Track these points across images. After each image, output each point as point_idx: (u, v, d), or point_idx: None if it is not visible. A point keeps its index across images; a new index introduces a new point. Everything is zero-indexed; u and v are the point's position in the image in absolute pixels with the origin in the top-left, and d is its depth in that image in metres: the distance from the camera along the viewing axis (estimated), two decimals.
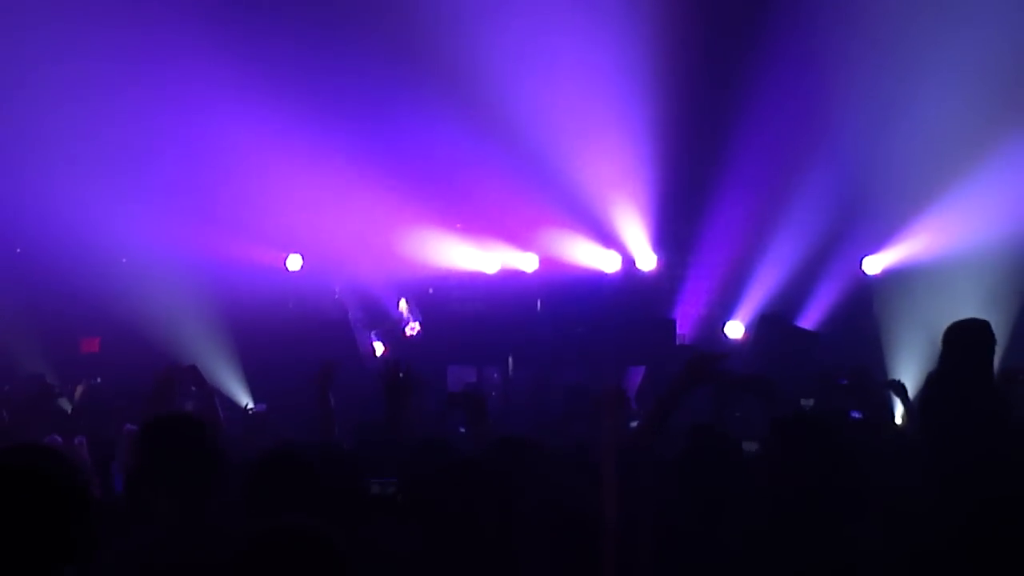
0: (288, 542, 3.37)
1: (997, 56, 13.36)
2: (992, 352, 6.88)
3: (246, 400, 13.58)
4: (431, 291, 16.65)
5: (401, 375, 6.89)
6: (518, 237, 16.53)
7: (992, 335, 6.88)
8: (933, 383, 7.00)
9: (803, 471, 4.68)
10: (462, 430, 9.01)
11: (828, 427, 4.92)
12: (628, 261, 16.46)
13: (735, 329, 15.81)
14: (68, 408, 11.59)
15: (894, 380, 9.41)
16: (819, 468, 4.68)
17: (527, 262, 16.67)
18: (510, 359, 15.37)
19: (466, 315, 15.89)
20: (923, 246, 14.77)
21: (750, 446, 5.90)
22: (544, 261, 16.59)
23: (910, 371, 13.26)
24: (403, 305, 16.49)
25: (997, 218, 13.87)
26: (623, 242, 16.36)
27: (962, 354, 6.83)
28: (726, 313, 15.94)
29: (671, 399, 5.87)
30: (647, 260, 16.41)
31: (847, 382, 8.40)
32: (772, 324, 14.26)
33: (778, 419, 4.98)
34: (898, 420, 8.83)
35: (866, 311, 14.95)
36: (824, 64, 14.37)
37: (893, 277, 15.11)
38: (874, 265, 15.38)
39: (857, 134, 14.66)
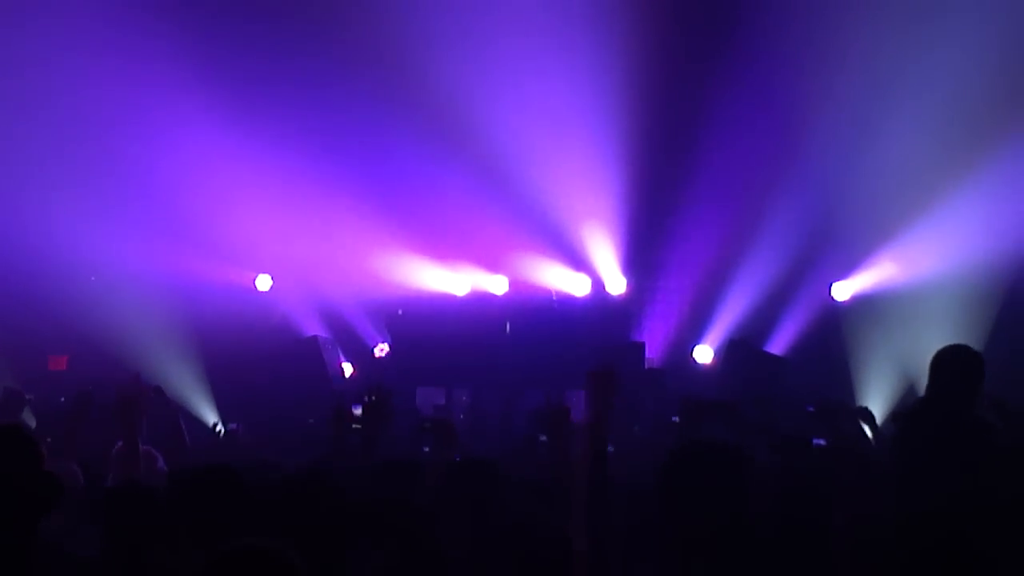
0: (250, 563, 3.36)
1: (966, 83, 13.44)
2: (981, 381, 6.88)
3: (214, 419, 13.53)
4: (400, 312, 16.61)
5: (382, 399, 6.91)
6: (488, 259, 16.53)
7: (981, 364, 6.89)
8: (918, 409, 6.99)
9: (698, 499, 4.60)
10: (426, 449, 9.01)
11: (727, 456, 4.81)
12: (598, 284, 16.47)
13: (704, 353, 15.82)
14: (32, 421, 11.52)
15: (862, 407, 9.42)
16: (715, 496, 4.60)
17: (497, 284, 16.66)
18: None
19: (435, 337, 15.84)
20: (892, 273, 14.82)
21: None
22: (514, 284, 16.59)
23: (878, 397, 13.32)
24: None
25: (966, 245, 13.94)
26: (593, 265, 16.37)
27: (951, 380, 6.84)
28: (695, 337, 15.95)
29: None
30: (616, 283, 16.42)
31: (813, 409, 8.41)
32: (740, 349, 14.28)
33: (679, 445, 4.91)
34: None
35: (835, 337, 14.97)
36: (793, 91, 14.42)
37: (862, 303, 15.15)
38: (843, 291, 15.42)
39: (827, 160, 14.72)
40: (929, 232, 14.22)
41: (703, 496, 4.41)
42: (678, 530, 4.44)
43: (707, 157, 15.25)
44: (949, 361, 6.94)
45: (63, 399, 13.42)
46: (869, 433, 8.77)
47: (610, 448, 9.48)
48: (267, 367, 15.07)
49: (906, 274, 14.58)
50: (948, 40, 13.51)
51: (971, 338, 12.04)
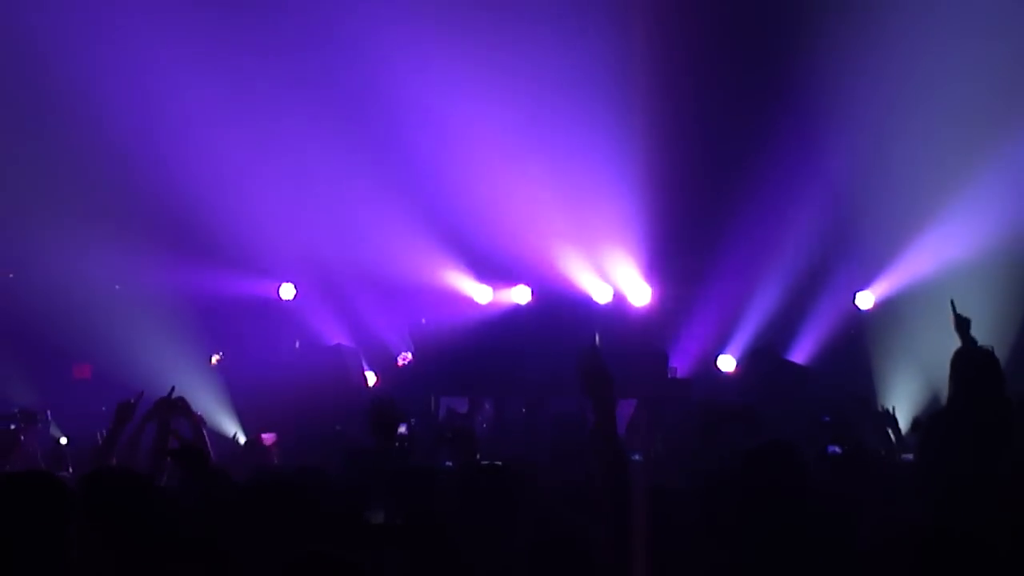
0: (324, 572, 3.39)
1: (981, 82, 13.44)
2: (999, 381, 6.84)
3: (235, 430, 13.55)
4: (423, 321, 16.62)
5: (389, 409, 6.94)
6: (511, 268, 16.53)
7: (997, 365, 6.86)
8: (944, 411, 6.95)
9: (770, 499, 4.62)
10: (448, 464, 9.00)
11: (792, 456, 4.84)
12: (621, 294, 16.45)
13: (727, 362, 15.80)
14: (60, 435, 11.54)
15: (884, 410, 9.37)
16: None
17: (520, 293, 16.65)
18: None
19: (458, 345, 15.83)
20: (915, 277, 14.76)
21: None
22: (537, 292, 16.58)
23: (903, 406, 13.26)
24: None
25: (989, 241, 13.90)
26: (617, 275, 16.36)
27: (974, 382, 6.80)
28: (718, 346, 15.92)
29: None
30: (640, 293, 16.40)
31: (829, 419, 8.44)
32: (763, 358, 14.25)
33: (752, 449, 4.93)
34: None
35: (859, 346, 14.94)
36: (815, 100, 14.42)
37: (886, 312, 15.10)
38: (867, 300, 15.38)
39: (849, 169, 14.71)
40: (950, 231, 14.20)
41: (777, 495, 4.44)
42: (749, 529, 4.45)
43: (730, 167, 15.25)
44: (963, 365, 6.91)
45: (104, 408, 13.49)
46: (892, 437, 8.74)
47: (636, 456, 9.50)
48: (290, 377, 15.09)
49: (929, 279, 14.51)
50: (963, 42, 13.51)
51: (1000, 337, 11.96)
